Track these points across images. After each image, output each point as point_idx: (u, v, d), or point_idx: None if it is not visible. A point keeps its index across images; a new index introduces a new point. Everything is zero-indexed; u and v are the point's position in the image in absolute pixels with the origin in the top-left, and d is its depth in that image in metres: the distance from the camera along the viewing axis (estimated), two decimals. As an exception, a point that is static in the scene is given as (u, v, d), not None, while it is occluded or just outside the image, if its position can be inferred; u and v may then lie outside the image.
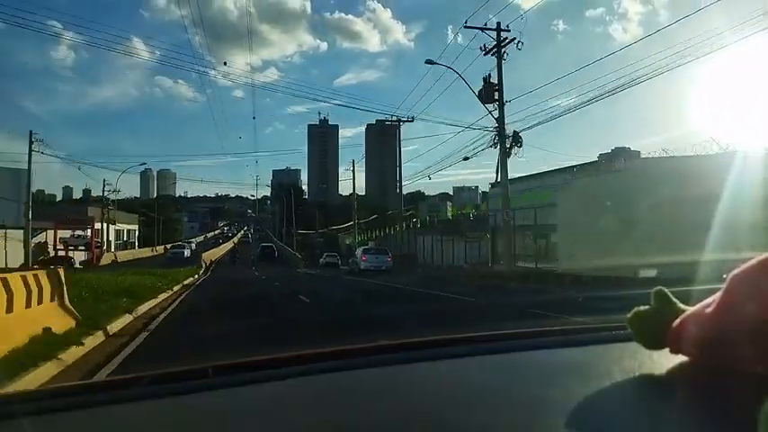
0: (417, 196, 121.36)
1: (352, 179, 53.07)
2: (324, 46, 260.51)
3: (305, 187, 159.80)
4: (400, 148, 41.23)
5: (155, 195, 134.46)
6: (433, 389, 0.90)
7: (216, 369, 0.97)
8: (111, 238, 58.67)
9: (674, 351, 0.81)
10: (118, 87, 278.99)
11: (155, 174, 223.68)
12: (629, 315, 0.85)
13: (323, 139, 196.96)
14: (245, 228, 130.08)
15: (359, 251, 35.46)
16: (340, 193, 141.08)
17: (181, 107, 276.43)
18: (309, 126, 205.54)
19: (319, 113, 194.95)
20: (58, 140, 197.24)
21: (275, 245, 70.05)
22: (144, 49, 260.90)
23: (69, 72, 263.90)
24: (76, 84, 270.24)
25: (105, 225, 52.26)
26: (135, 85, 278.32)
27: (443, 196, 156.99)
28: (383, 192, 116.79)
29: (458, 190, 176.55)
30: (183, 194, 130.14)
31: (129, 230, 67.02)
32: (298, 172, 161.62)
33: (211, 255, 53.63)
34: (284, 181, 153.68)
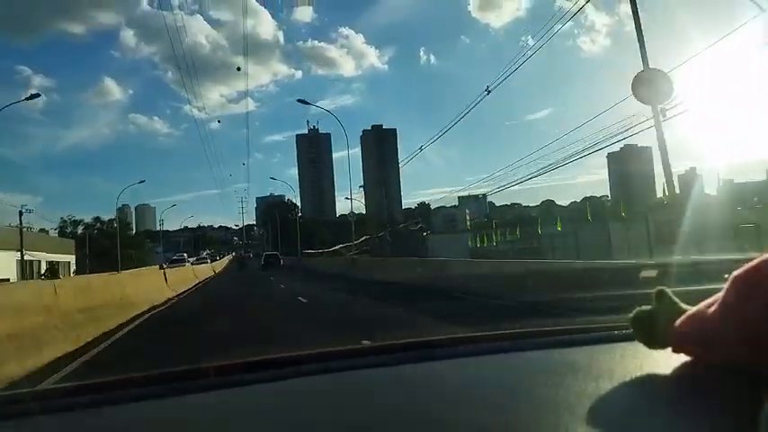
0: (423, 209, 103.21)
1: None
2: (299, 74, 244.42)
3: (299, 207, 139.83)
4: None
5: (133, 231, 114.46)
6: (435, 389, 0.93)
7: (216, 369, 0.98)
8: (12, 274, 37.24)
9: (676, 351, 0.82)
10: (92, 128, 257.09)
11: (133, 210, 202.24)
12: (631, 315, 0.87)
13: (314, 150, 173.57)
14: (234, 253, 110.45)
15: None
16: (342, 212, 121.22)
17: (158, 143, 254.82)
18: (298, 137, 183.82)
19: (308, 122, 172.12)
20: (33, 183, 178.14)
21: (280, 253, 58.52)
22: (118, 87, 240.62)
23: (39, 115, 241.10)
24: (49, 127, 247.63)
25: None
26: (109, 124, 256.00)
27: (442, 209, 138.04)
28: (385, 206, 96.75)
29: (463, 200, 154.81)
30: (161, 227, 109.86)
31: (58, 262, 45.93)
32: (282, 198, 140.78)
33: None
34: (272, 203, 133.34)
